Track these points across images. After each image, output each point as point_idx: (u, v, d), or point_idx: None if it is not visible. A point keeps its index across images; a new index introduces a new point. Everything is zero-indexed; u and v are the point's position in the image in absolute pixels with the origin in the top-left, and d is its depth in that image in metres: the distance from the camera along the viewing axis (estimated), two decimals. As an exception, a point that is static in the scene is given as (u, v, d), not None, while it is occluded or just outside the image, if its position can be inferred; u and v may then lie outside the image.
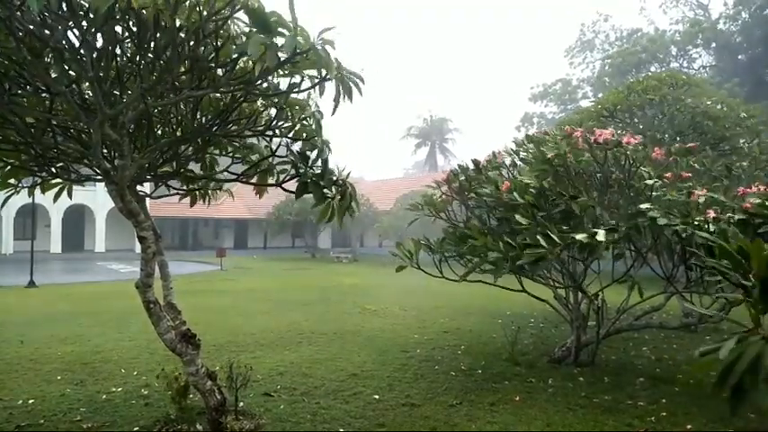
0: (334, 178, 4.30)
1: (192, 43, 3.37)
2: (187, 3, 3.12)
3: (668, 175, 5.59)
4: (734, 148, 9.40)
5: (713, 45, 33.16)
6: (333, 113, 3.54)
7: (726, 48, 32.32)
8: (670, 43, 34.31)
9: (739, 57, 32.51)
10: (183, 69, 3.62)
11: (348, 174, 4.34)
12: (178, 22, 3.19)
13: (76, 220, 35.41)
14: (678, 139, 9.40)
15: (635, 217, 4.98)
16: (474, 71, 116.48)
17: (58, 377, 6.08)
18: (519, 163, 7.05)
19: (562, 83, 38.98)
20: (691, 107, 9.88)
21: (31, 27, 3.02)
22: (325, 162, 4.28)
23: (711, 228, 4.26)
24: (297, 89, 3.89)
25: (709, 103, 9.95)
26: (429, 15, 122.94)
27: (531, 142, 6.89)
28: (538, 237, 4.89)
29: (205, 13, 3.15)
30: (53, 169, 4.40)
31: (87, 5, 3.11)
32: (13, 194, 4.50)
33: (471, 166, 7.03)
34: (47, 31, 3.03)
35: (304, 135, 4.39)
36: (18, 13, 2.92)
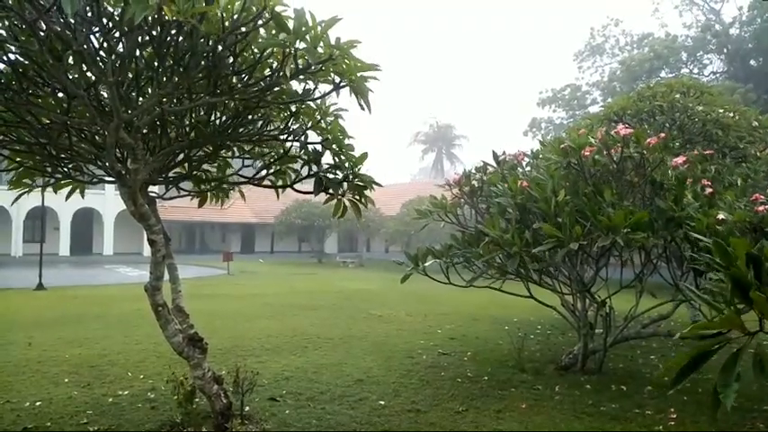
0: (346, 174, 4.35)
1: (211, 51, 3.40)
2: (214, 13, 3.14)
3: (687, 180, 5.61)
4: (745, 157, 9.32)
5: (725, 51, 33.00)
6: (370, 112, 3.63)
7: (737, 53, 32.16)
8: (681, 49, 34.17)
9: (751, 62, 32.34)
10: (200, 75, 3.65)
11: (359, 168, 4.38)
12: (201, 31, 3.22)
13: (85, 223, 35.65)
14: (688, 146, 9.34)
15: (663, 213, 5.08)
16: (482, 77, 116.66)
17: (65, 380, 6.10)
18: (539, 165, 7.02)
19: (571, 88, 38.83)
20: (702, 115, 9.80)
21: (57, 29, 3.05)
22: (337, 156, 4.34)
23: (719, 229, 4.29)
24: (311, 96, 3.94)
25: (721, 111, 9.85)
26: (438, 21, 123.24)
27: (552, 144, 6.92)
28: (559, 220, 5.13)
29: (227, 23, 3.17)
30: (67, 170, 4.44)
31: (112, 10, 3.16)
32: (25, 194, 4.56)
33: (490, 163, 7.06)
34: (69, 33, 3.05)
35: (318, 137, 4.43)
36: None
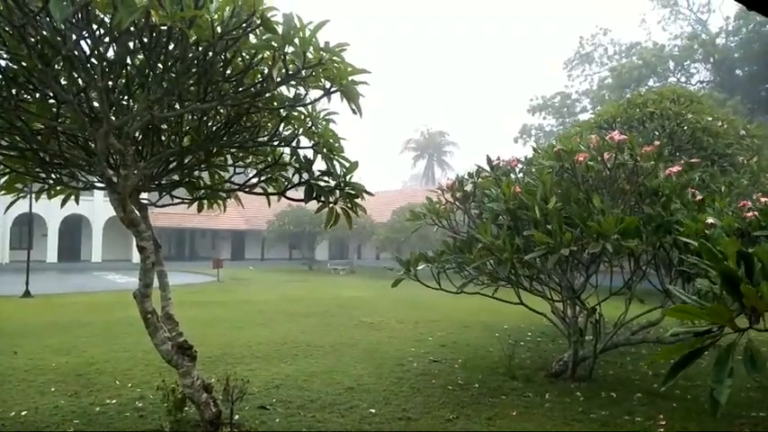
0: (336, 181, 4.35)
1: (201, 57, 3.40)
2: (204, 18, 3.14)
3: (676, 187, 5.67)
4: (732, 165, 9.44)
5: (711, 60, 33.47)
6: (361, 116, 3.64)
7: (724, 63, 32.63)
8: (669, 58, 34.62)
9: (737, 72, 32.80)
10: (190, 82, 3.64)
11: (350, 176, 4.39)
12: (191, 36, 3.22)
13: (73, 229, 35.31)
14: (678, 154, 9.45)
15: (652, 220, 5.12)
16: (472, 84, 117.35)
17: (52, 388, 6.02)
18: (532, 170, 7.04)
19: (561, 96, 39.19)
20: (691, 122, 9.92)
21: (45, 34, 3.04)
22: (329, 160, 4.34)
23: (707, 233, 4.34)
24: (302, 101, 3.94)
25: (710, 119, 9.98)
26: (429, 30, 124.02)
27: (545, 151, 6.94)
28: (549, 227, 5.11)
29: (219, 29, 3.17)
30: (58, 176, 4.41)
31: (102, 16, 3.15)
32: (18, 200, 4.52)
33: (483, 168, 7.06)
34: (59, 39, 3.04)
35: (310, 142, 4.44)
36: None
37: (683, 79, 34.94)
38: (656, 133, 10.24)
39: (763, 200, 4.88)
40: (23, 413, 5.18)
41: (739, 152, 9.67)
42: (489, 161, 7.11)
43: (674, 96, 11.25)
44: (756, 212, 4.50)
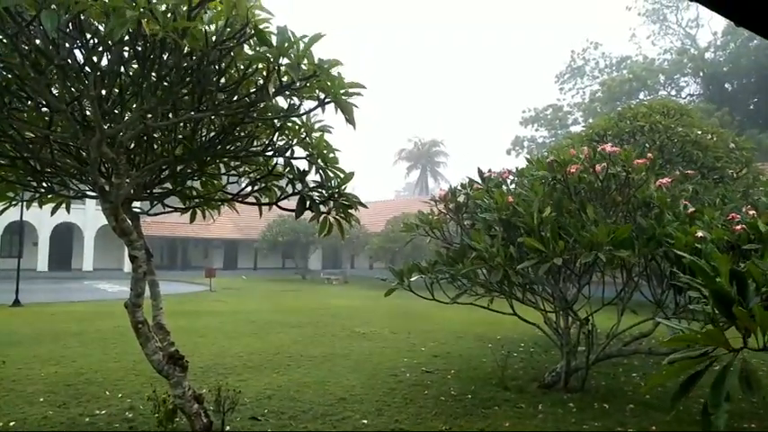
0: (331, 192, 4.35)
1: (195, 67, 3.41)
2: (198, 29, 3.15)
3: (668, 199, 5.71)
4: (722, 177, 9.52)
5: (701, 74, 33.94)
6: (355, 128, 3.65)
7: (713, 76, 33.09)
8: (659, 71, 35.07)
9: (726, 85, 33.25)
10: (184, 91, 3.65)
11: (344, 187, 4.39)
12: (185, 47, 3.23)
13: (64, 238, 35.06)
14: (667, 167, 9.51)
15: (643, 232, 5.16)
16: (466, 95, 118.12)
17: (41, 399, 5.95)
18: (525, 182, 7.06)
19: (553, 108, 39.54)
20: (681, 136, 10.00)
21: (38, 43, 3.04)
22: (323, 171, 4.35)
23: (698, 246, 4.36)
24: (296, 112, 3.95)
25: (699, 132, 10.07)
26: (426, 39, 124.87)
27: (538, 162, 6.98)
28: (543, 234, 5.14)
29: (213, 39, 3.19)
30: (50, 184, 4.39)
31: (96, 25, 3.15)
32: (8, 208, 4.49)
33: (476, 180, 7.07)
34: (51, 48, 3.04)
35: (304, 153, 4.45)
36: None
37: (673, 92, 35.41)
38: (647, 146, 10.31)
39: (751, 212, 4.93)
40: (11, 424, 5.11)
41: (728, 165, 9.76)
42: (480, 173, 7.15)
43: (663, 110, 11.34)
44: (745, 225, 4.53)
